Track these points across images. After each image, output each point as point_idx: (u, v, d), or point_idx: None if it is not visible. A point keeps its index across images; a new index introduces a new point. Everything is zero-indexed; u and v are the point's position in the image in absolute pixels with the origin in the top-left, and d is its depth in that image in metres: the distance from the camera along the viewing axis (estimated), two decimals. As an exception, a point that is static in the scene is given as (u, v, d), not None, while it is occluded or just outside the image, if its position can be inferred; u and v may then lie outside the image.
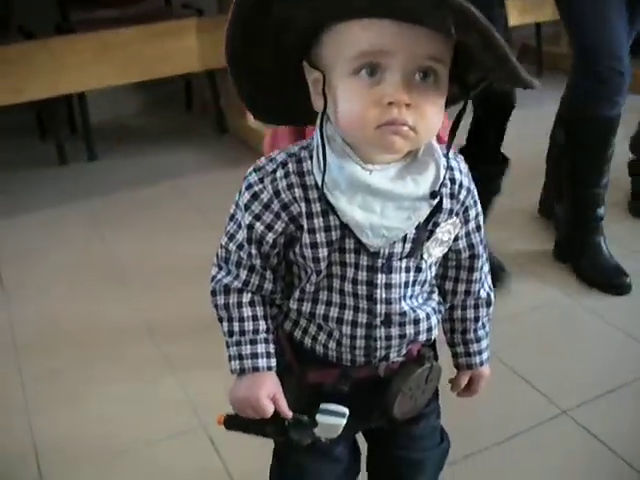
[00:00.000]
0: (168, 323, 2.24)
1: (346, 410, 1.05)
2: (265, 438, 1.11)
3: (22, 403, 1.94)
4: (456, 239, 1.05)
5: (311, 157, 0.96)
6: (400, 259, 0.99)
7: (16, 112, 3.71)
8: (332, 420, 1.05)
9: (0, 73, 3.16)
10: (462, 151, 2.22)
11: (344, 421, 1.05)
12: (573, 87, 2.26)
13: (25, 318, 2.33)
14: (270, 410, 1.03)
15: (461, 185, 1.02)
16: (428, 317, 1.05)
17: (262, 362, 1.03)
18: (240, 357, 1.03)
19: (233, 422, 1.09)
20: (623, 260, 2.40)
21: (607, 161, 2.31)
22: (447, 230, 1.02)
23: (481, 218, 1.07)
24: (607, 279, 2.36)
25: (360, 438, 1.24)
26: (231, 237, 1.03)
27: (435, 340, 1.15)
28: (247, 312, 1.03)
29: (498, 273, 2.27)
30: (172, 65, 3.49)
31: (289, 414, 1.04)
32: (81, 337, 2.22)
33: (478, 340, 1.15)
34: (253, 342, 1.03)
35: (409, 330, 1.03)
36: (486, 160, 2.22)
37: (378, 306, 1.01)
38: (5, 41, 3.35)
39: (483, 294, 1.13)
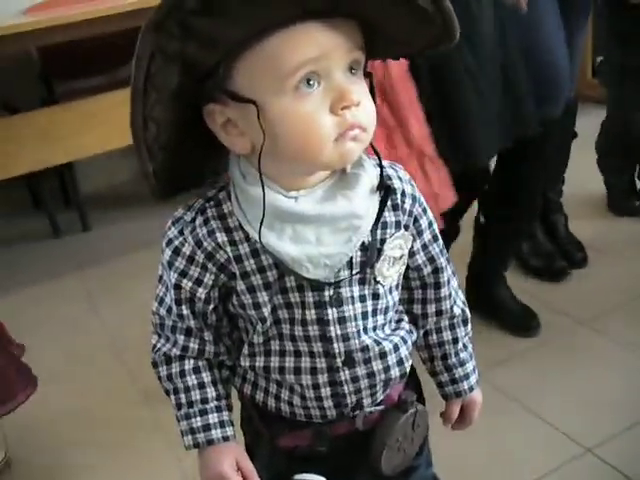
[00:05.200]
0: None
1: (323, 479, 0.94)
2: None
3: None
4: (413, 255, 0.95)
5: (229, 197, 0.87)
6: (350, 287, 0.89)
7: (8, 186, 3.67)
8: None
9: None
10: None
11: None
12: None
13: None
14: None
15: (404, 194, 0.92)
16: (396, 348, 0.94)
17: (216, 433, 0.93)
18: (192, 431, 0.94)
19: None
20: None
21: None
22: (397, 246, 0.91)
23: (436, 227, 0.98)
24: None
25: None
26: (160, 301, 0.94)
27: (419, 381, 1.06)
28: (192, 380, 0.94)
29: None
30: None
31: None
32: (76, 417, 2.13)
33: (462, 364, 1.04)
34: (203, 413, 0.93)
35: (376, 366, 0.92)
36: None
37: (335, 345, 0.90)
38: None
39: (457, 311, 1.02)
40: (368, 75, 0.84)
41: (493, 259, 2.24)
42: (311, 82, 0.77)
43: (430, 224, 0.96)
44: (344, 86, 0.78)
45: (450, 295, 1.01)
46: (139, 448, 1.94)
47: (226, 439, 0.93)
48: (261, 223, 0.82)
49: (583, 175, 2.80)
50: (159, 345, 0.95)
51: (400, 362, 0.94)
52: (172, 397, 0.95)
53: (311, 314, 0.88)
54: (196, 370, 0.94)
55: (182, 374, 0.94)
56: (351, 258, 0.87)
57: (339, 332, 0.89)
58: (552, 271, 2.42)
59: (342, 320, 0.89)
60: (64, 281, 3.02)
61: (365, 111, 0.81)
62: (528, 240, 2.46)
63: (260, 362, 0.93)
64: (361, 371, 0.92)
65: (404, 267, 0.94)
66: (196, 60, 0.76)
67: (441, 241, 0.98)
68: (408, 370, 0.97)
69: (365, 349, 0.91)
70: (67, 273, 3.07)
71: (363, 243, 0.87)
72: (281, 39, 0.76)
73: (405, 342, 0.96)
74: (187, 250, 0.88)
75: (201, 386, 0.94)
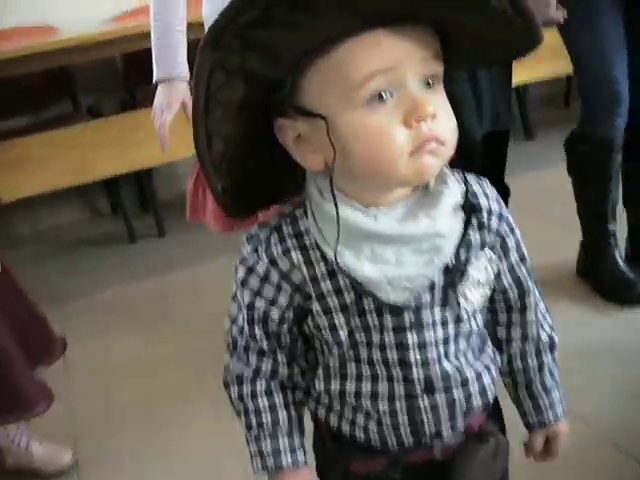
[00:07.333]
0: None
1: None
2: None
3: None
4: (498, 276, 0.90)
5: (306, 214, 0.83)
6: (432, 311, 0.84)
7: (88, 190, 3.74)
8: None
9: (68, 154, 3.17)
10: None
11: None
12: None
13: (87, 405, 2.26)
14: None
15: (490, 212, 0.86)
16: (479, 377, 0.89)
17: (286, 459, 0.90)
18: (261, 455, 0.90)
19: None
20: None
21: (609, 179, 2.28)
22: (482, 267, 0.86)
23: (523, 247, 0.92)
24: (620, 292, 2.32)
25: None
26: (234, 320, 0.90)
27: (500, 410, 1.00)
28: (263, 402, 0.90)
29: None
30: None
31: None
32: (144, 419, 2.15)
33: (547, 392, 0.98)
34: (273, 436, 0.90)
35: (457, 395, 0.87)
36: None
37: (414, 370, 0.85)
38: (74, 122, 3.40)
39: (544, 336, 0.96)
40: None
41: None
42: (384, 97, 0.73)
43: (518, 244, 0.91)
44: (418, 96, 0.74)
45: (537, 319, 0.95)
46: (207, 457, 1.92)
47: (296, 464, 0.90)
48: (337, 242, 0.78)
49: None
50: (231, 365, 0.92)
51: (483, 391, 0.89)
52: (243, 418, 0.92)
53: (390, 338, 0.84)
54: (268, 392, 0.91)
55: (253, 395, 0.90)
56: (433, 280, 0.82)
57: (419, 357, 0.85)
58: (625, 299, 2.31)
59: (422, 345, 0.84)
60: (139, 286, 3.05)
61: (443, 124, 0.76)
62: (606, 260, 2.38)
63: (336, 386, 0.89)
64: (441, 399, 0.87)
65: (490, 290, 0.89)
66: (259, 74, 0.73)
67: (529, 261, 0.92)
68: (492, 400, 0.92)
69: (446, 376, 0.86)
70: (142, 278, 3.10)
71: (446, 265, 0.82)
72: (347, 49, 0.72)
73: (489, 370, 0.91)
74: (261, 269, 0.84)
75: (272, 408, 0.90)
